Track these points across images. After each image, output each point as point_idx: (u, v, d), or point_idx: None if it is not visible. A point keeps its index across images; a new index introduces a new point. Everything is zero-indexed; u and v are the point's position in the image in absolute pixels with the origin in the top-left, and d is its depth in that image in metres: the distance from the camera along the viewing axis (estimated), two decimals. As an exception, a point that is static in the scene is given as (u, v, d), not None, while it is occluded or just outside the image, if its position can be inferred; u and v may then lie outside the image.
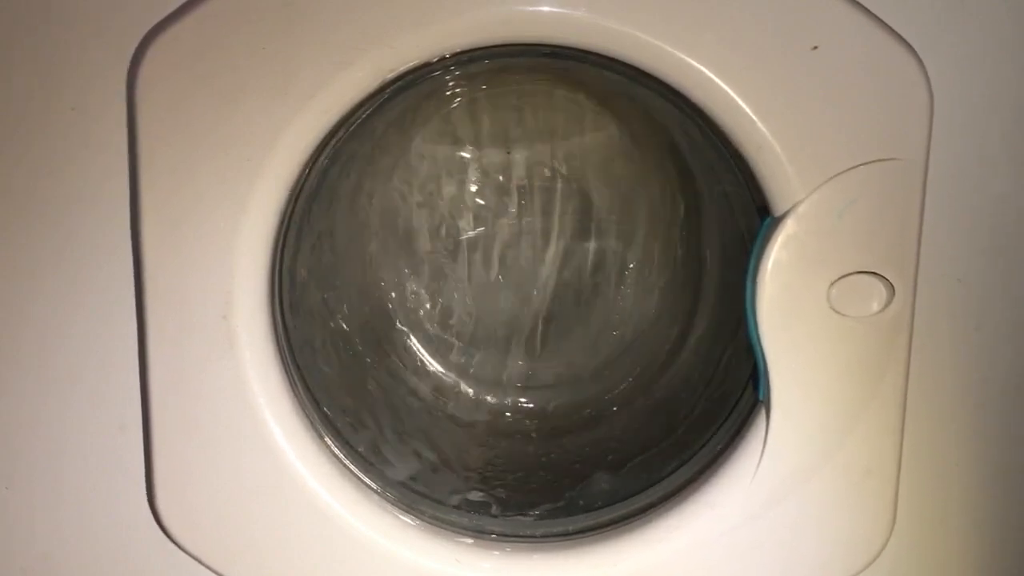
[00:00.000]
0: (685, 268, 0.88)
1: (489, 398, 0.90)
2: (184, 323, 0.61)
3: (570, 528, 0.71)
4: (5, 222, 0.62)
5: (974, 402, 0.68)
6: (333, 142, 0.63)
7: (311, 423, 0.66)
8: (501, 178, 0.88)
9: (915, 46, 0.60)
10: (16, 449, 0.66)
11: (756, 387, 0.66)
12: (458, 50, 0.59)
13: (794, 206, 0.60)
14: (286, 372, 0.65)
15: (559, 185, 0.88)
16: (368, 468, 0.70)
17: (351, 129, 0.65)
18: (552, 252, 0.90)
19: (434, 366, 0.91)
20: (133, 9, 0.58)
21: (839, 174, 0.60)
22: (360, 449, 0.72)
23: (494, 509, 0.74)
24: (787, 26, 0.58)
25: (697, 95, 0.59)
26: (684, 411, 0.80)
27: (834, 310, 0.62)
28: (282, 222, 0.62)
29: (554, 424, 0.88)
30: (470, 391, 0.91)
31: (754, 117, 0.59)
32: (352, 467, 0.68)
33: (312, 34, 0.58)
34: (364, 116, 0.64)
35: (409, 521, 0.68)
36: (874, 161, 0.60)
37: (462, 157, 0.87)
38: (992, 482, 0.70)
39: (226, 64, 0.58)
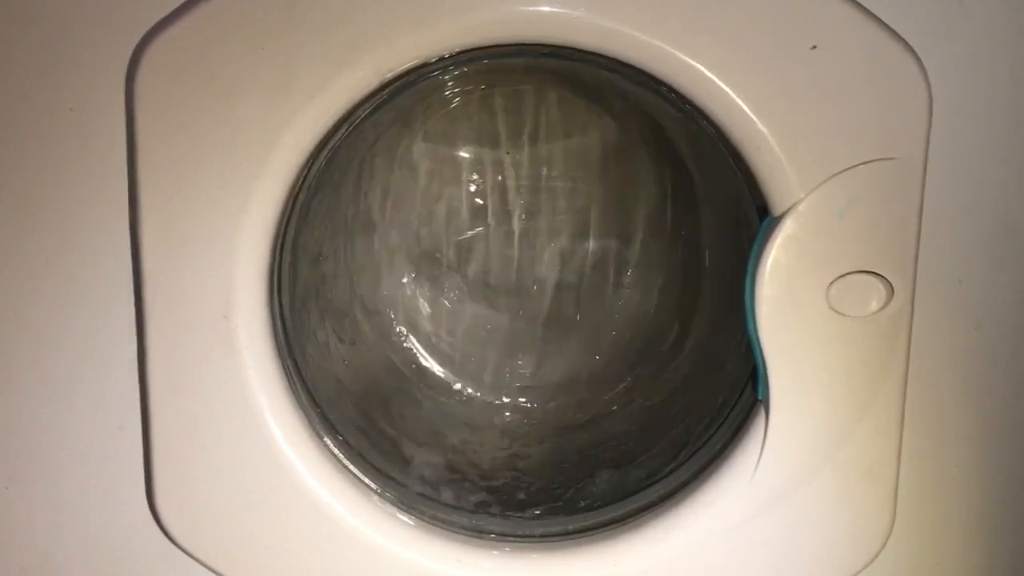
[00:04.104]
0: (685, 268, 0.88)
1: (489, 398, 0.90)
2: (184, 323, 0.61)
3: (570, 528, 0.71)
4: (5, 222, 0.62)
5: (974, 402, 0.68)
6: (333, 142, 0.63)
7: (311, 423, 0.66)
8: (500, 178, 0.88)
9: (915, 46, 0.60)
10: (16, 449, 0.66)
11: (755, 387, 0.66)
12: (458, 50, 0.60)
13: (793, 206, 0.60)
14: (286, 372, 0.65)
15: (558, 185, 0.88)
16: (368, 468, 0.70)
17: (351, 129, 0.65)
18: (551, 252, 0.90)
19: (433, 366, 0.91)
20: (132, 9, 0.59)
21: (838, 174, 0.60)
22: (360, 450, 0.72)
23: (494, 509, 0.74)
24: (786, 26, 0.59)
25: (696, 95, 0.59)
26: (684, 411, 0.80)
27: (833, 310, 0.62)
28: (282, 222, 0.62)
29: (554, 424, 0.88)
30: (469, 391, 0.91)
31: (753, 117, 0.59)
32: (352, 467, 0.68)
33: (312, 34, 0.58)
34: (364, 116, 0.64)
35: (409, 521, 0.68)
36: (873, 161, 0.60)
37: (461, 157, 0.87)
38: (992, 482, 0.70)
39: (226, 64, 0.58)
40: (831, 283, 0.62)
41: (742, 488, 0.65)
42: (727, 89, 0.59)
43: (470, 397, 0.90)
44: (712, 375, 0.79)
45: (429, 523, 0.69)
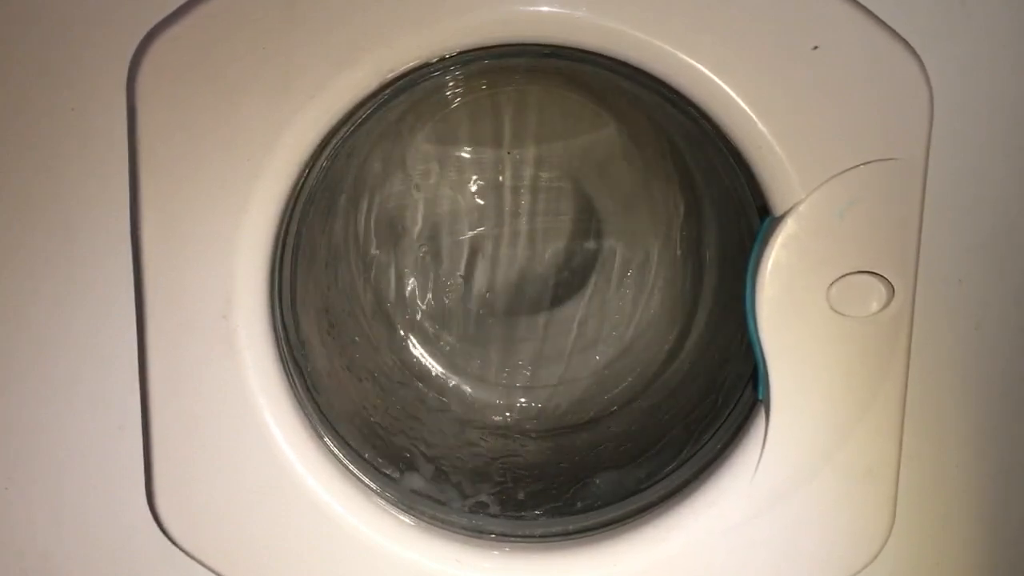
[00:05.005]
0: (685, 268, 0.88)
1: (489, 398, 0.90)
2: (184, 323, 0.61)
3: (570, 528, 0.71)
4: (5, 222, 0.62)
5: (974, 402, 0.68)
6: (333, 142, 0.63)
7: (311, 423, 0.66)
8: (501, 178, 0.88)
9: (915, 46, 0.60)
10: (16, 449, 0.66)
11: (756, 387, 0.66)
12: (458, 50, 0.59)
13: (794, 206, 0.60)
14: (286, 372, 0.65)
15: (559, 185, 0.88)
16: (368, 468, 0.70)
17: (351, 129, 0.65)
18: (552, 252, 0.90)
19: (433, 366, 0.91)
20: (133, 9, 0.58)
21: (839, 174, 0.60)
22: (360, 450, 0.72)
23: (494, 509, 0.74)
24: (787, 26, 0.59)
25: (697, 95, 0.59)
26: (684, 411, 0.80)
27: (834, 310, 0.62)
28: (282, 222, 0.62)
29: (554, 424, 0.88)
30: (469, 391, 0.91)
31: (754, 117, 0.59)
32: (352, 467, 0.68)
33: (312, 34, 0.58)
34: (364, 116, 0.64)
35: (409, 521, 0.68)
36: (874, 161, 0.60)
37: (462, 157, 0.87)
38: (992, 482, 0.70)
39: (226, 64, 0.58)
40: (832, 283, 0.62)
41: (743, 488, 0.65)
42: (728, 89, 0.59)
43: (470, 397, 0.90)
44: (712, 375, 0.79)
45: (429, 523, 0.69)
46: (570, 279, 0.90)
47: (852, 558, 0.67)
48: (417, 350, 0.90)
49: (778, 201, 0.61)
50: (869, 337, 0.63)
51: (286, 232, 0.65)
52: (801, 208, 0.60)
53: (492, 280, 0.90)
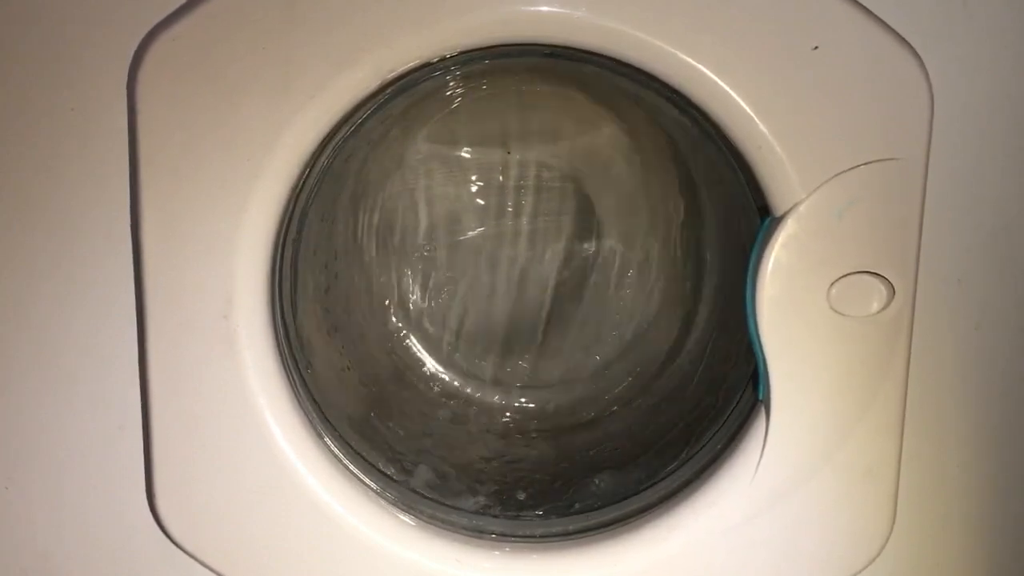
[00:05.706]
0: (685, 268, 0.88)
1: (489, 398, 0.90)
2: (184, 323, 0.61)
3: (570, 528, 0.71)
4: (5, 222, 0.62)
5: (974, 402, 0.68)
6: (333, 142, 0.63)
7: (311, 423, 0.66)
8: (501, 178, 0.88)
9: (915, 46, 0.60)
10: (16, 449, 0.66)
11: (756, 387, 0.66)
12: (458, 50, 0.59)
13: (794, 206, 0.60)
14: (286, 372, 0.65)
15: (559, 185, 0.88)
16: (368, 468, 0.70)
17: (351, 129, 0.65)
18: (552, 252, 0.90)
19: (433, 366, 0.91)
20: (133, 9, 0.58)
21: (839, 174, 0.60)
22: (360, 450, 0.72)
23: (494, 509, 0.74)
24: (787, 26, 0.59)
25: (697, 95, 0.60)
26: (684, 411, 0.80)
27: (834, 310, 0.62)
28: (282, 222, 0.62)
29: (554, 424, 0.88)
30: (469, 391, 0.91)
31: (754, 117, 0.59)
32: (352, 467, 0.68)
33: (312, 34, 0.58)
34: (364, 116, 0.64)
35: (409, 521, 0.68)
36: (874, 161, 0.60)
37: (462, 157, 0.87)
38: (992, 482, 0.70)
39: (226, 64, 0.58)
40: (832, 283, 0.62)
41: (743, 488, 0.65)
42: (728, 89, 0.59)
43: (470, 397, 0.90)
44: (712, 375, 0.79)
45: (429, 523, 0.69)
46: (570, 279, 0.90)
47: (852, 558, 0.67)
48: (417, 350, 0.90)
49: (778, 201, 0.61)
50: (869, 337, 0.63)
51: (286, 232, 0.65)
52: (801, 208, 0.60)
53: (492, 280, 0.90)
